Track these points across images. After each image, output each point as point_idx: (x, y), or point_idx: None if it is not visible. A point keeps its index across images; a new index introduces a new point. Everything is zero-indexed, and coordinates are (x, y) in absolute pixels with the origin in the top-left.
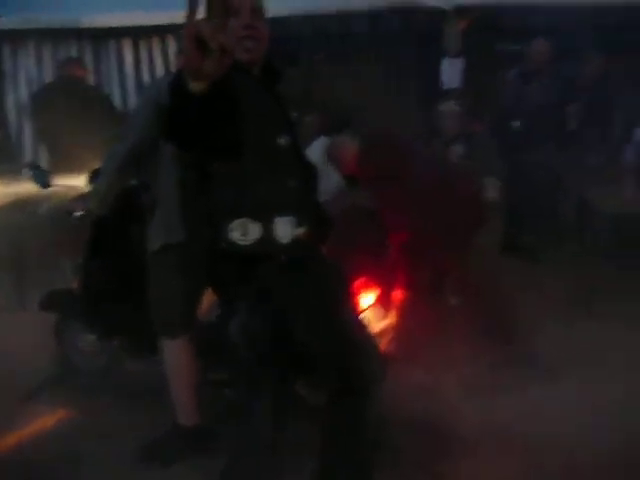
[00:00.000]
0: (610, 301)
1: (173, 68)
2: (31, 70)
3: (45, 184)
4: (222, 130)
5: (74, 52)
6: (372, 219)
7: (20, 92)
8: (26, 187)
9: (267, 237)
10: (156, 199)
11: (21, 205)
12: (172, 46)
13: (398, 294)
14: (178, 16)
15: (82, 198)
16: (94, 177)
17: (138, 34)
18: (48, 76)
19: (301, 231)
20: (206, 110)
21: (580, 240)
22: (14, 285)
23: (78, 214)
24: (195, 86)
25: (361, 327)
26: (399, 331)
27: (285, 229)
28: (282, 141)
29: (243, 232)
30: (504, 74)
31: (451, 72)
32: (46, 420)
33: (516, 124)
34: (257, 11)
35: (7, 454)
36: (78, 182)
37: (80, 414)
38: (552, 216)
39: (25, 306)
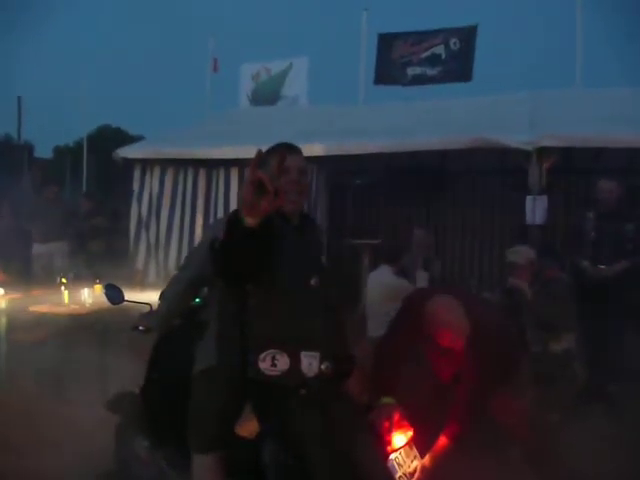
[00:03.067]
0: None
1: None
2: (154, 191)
3: (116, 301)
4: (265, 265)
5: (190, 178)
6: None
7: (143, 209)
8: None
9: (294, 370)
10: (207, 322)
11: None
12: None
13: (442, 440)
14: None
15: (147, 316)
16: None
17: (244, 164)
18: (167, 197)
19: (325, 366)
20: (255, 243)
21: None
22: (100, 382)
23: (142, 329)
24: (249, 221)
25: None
26: (429, 475)
27: (310, 363)
28: (313, 282)
29: (272, 363)
30: (587, 214)
31: (535, 209)
32: None
33: (596, 266)
34: (302, 170)
35: None
36: (153, 298)
37: None
38: None
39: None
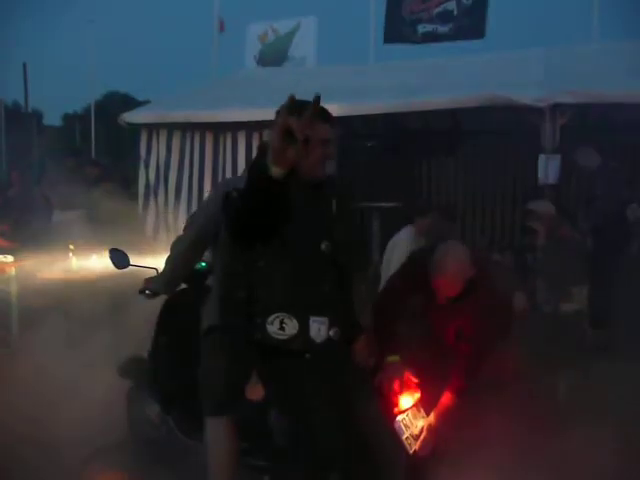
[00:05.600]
0: None
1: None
2: (161, 156)
3: (121, 266)
4: (279, 222)
5: (197, 142)
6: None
7: (150, 174)
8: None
9: (302, 335)
10: (213, 283)
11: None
12: None
13: (447, 396)
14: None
15: (153, 279)
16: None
17: (252, 127)
18: (175, 161)
19: (333, 332)
20: (278, 195)
21: None
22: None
23: (148, 293)
24: (276, 171)
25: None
26: (436, 433)
27: (319, 329)
28: (324, 247)
29: (280, 327)
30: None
31: (548, 169)
32: None
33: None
34: (329, 140)
35: None
36: (158, 263)
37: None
38: None
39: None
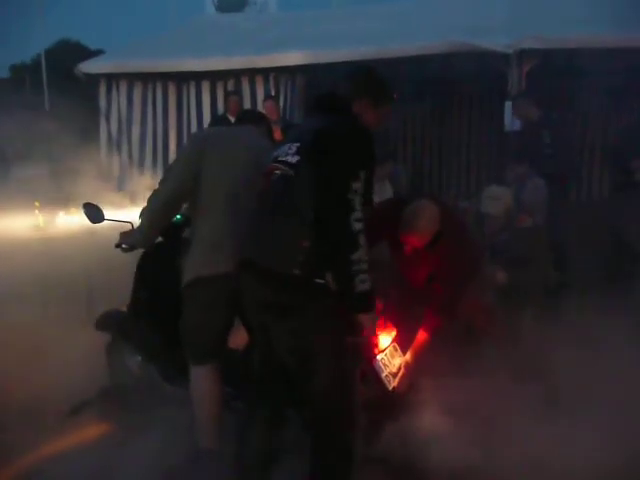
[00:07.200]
0: None
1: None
2: (122, 107)
3: (96, 220)
4: None
5: (160, 93)
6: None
7: (112, 126)
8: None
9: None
10: (193, 235)
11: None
12: (246, 87)
13: (421, 335)
14: (251, 61)
15: (129, 234)
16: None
17: (215, 77)
18: (137, 113)
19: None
20: None
21: None
22: (86, 302)
23: (125, 247)
24: None
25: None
26: (412, 370)
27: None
28: None
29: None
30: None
31: (514, 115)
32: (87, 433)
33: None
34: None
35: (48, 464)
36: (131, 217)
37: (120, 430)
38: None
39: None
